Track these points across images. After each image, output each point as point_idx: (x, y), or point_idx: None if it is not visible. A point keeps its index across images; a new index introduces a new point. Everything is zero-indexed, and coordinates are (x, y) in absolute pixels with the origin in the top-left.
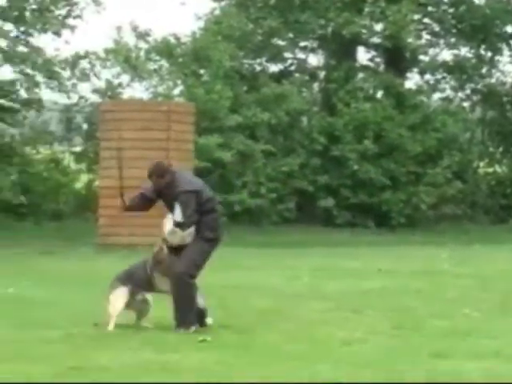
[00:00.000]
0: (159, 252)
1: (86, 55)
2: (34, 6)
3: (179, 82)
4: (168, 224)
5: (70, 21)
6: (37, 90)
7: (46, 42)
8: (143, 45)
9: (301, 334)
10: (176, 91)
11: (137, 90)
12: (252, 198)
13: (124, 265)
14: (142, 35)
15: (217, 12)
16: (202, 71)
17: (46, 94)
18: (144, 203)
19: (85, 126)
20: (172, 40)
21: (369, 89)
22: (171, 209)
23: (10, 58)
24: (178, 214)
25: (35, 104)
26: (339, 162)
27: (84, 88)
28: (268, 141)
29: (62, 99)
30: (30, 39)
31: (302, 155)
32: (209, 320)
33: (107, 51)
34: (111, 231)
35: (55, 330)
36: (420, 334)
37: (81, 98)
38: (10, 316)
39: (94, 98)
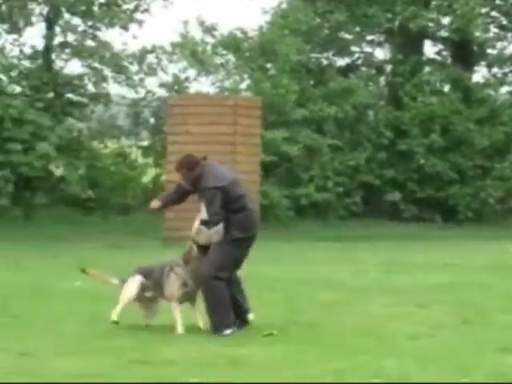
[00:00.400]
0: (189, 251)
1: (153, 49)
2: (102, 1)
3: (246, 76)
4: (195, 224)
5: (138, 15)
6: (104, 85)
7: (113, 36)
8: (210, 39)
9: (367, 329)
10: (243, 85)
11: (203, 85)
12: (319, 192)
13: None
14: (209, 29)
15: (284, 6)
16: (268, 65)
17: (114, 89)
18: (180, 195)
19: (152, 121)
20: (239, 34)
21: (436, 82)
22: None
23: (78, 52)
24: (203, 211)
25: (103, 98)
26: (406, 155)
27: (151, 82)
28: (335, 135)
29: (129, 93)
30: (98, 33)
31: (369, 149)
32: (250, 316)
33: (174, 45)
34: (178, 225)
35: (121, 324)
36: (487, 329)
37: (148, 92)
38: (76, 309)
39: (161, 93)
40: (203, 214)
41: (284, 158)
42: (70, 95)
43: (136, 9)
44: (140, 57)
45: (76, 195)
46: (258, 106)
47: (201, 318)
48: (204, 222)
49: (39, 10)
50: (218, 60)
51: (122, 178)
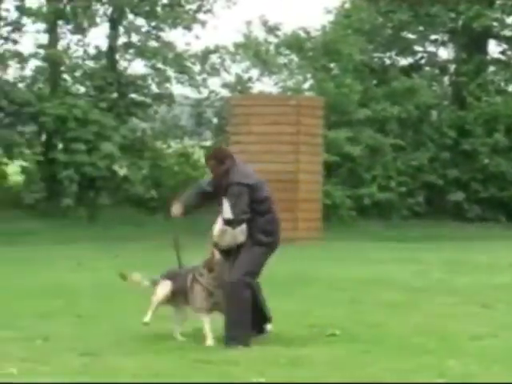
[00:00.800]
0: (211, 259)
1: (216, 50)
2: (165, 1)
3: (309, 76)
4: (217, 226)
5: (201, 15)
6: (168, 85)
7: (176, 36)
8: (273, 39)
9: (430, 328)
10: (306, 85)
11: (266, 85)
12: (381, 192)
13: None
14: (272, 29)
15: (347, 5)
16: (331, 65)
17: (177, 89)
18: (200, 198)
19: (215, 121)
20: (302, 34)
21: (500, 82)
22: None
23: (141, 52)
24: (226, 210)
25: (166, 98)
26: (469, 155)
27: (214, 82)
28: (397, 135)
29: (192, 94)
30: (161, 34)
31: (432, 149)
32: (269, 326)
33: (237, 46)
34: None
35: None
36: None
37: (211, 92)
38: (139, 309)
39: (224, 93)
40: (226, 213)
41: (347, 157)
42: (133, 95)
43: (199, 9)
44: (203, 57)
45: (139, 195)
46: (321, 106)
47: None
48: (228, 222)
49: (103, 10)
50: (281, 60)
51: (185, 178)
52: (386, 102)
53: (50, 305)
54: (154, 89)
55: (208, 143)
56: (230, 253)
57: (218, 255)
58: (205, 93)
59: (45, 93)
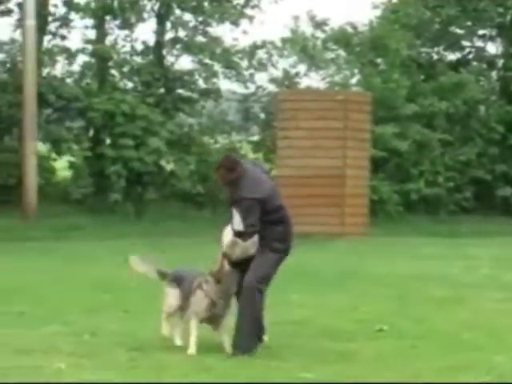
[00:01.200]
0: (220, 270)
1: (264, 45)
2: None
3: (356, 71)
4: (228, 236)
5: (248, 11)
6: (215, 80)
7: (224, 31)
8: (320, 34)
9: (478, 324)
10: (353, 80)
11: (313, 80)
12: (429, 187)
13: (298, 253)
14: (319, 24)
15: (394, 0)
16: (378, 60)
17: (224, 84)
18: None
19: (262, 116)
20: (349, 29)
21: None
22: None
23: (188, 47)
24: (237, 222)
25: (213, 94)
26: None
27: (261, 78)
28: (445, 130)
29: (239, 89)
30: (209, 29)
31: (480, 144)
32: (266, 337)
33: (284, 41)
34: None
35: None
36: None
37: (258, 87)
38: None
39: (271, 88)
40: (237, 225)
41: (394, 153)
42: (180, 91)
43: (246, 4)
44: (250, 52)
45: (186, 190)
46: (369, 101)
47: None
48: (239, 234)
49: (150, 5)
50: (329, 55)
51: None
52: (433, 97)
53: (97, 300)
54: (201, 84)
55: (255, 138)
56: (240, 264)
57: (227, 266)
58: (252, 88)
59: (93, 88)
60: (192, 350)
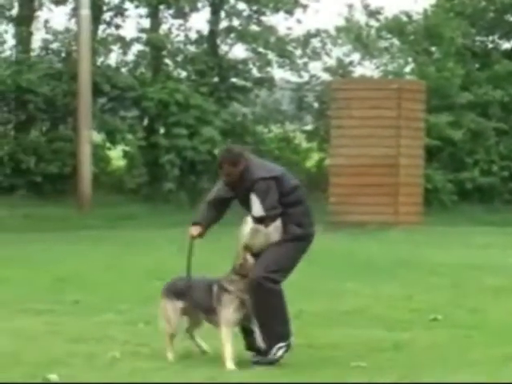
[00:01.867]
0: (243, 264)
1: (318, 34)
2: None
3: (410, 59)
4: (246, 226)
5: (303, 0)
6: (269, 69)
7: (278, 20)
8: (374, 23)
9: None
10: (407, 69)
11: (367, 69)
12: (483, 176)
13: (352, 242)
14: (373, 13)
15: None
16: (433, 49)
17: (278, 73)
18: (220, 209)
19: (316, 105)
20: (403, 18)
21: None
22: (246, 205)
23: (242, 36)
24: (257, 208)
25: (267, 83)
26: None
27: (315, 66)
28: (500, 118)
29: (293, 78)
30: (263, 18)
31: None
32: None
33: (338, 29)
34: (341, 209)
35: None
36: None
37: (312, 76)
38: None
39: (325, 77)
40: (257, 211)
41: (448, 142)
42: (234, 80)
43: None
44: (304, 41)
45: None
46: (423, 90)
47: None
48: (260, 220)
49: None
50: (383, 44)
51: (286, 162)
52: (488, 85)
53: (151, 288)
54: (255, 73)
55: (309, 128)
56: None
57: (251, 259)
58: (306, 77)
59: (147, 77)
60: (230, 364)
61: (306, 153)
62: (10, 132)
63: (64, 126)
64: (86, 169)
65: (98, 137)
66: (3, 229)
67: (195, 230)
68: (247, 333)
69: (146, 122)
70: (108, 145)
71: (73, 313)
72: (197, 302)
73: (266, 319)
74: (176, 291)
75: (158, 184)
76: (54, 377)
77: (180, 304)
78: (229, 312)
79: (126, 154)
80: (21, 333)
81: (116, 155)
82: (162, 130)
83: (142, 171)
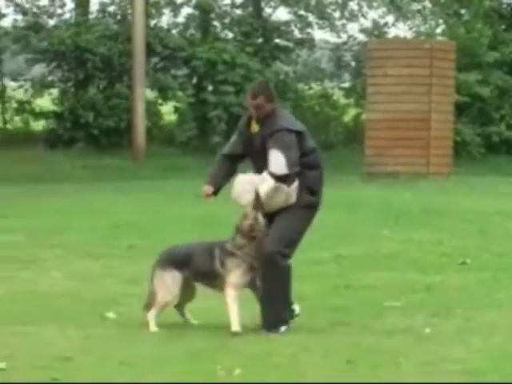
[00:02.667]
0: (253, 225)
1: None
2: None
3: (441, 21)
4: (265, 184)
5: None
6: (309, 30)
7: None
8: None
9: None
10: (438, 30)
11: (401, 30)
12: (509, 130)
13: (387, 192)
14: None
15: None
16: (462, 11)
17: (318, 34)
18: (230, 167)
19: (353, 64)
20: None
21: None
22: (260, 159)
23: (284, 0)
24: (278, 163)
25: (307, 43)
26: None
27: (352, 28)
28: None
29: (332, 38)
30: None
31: None
32: (296, 308)
33: None
34: (377, 161)
35: (325, 252)
36: None
37: (349, 37)
38: None
39: (362, 38)
40: (277, 167)
41: (476, 98)
42: (277, 40)
43: None
44: (343, 4)
45: None
46: (453, 50)
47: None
48: (281, 178)
49: None
50: (415, 6)
51: (325, 117)
52: None
53: (200, 234)
54: (297, 34)
55: (346, 85)
56: (271, 215)
57: (262, 220)
58: (344, 37)
59: (196, 38)
60: (236, 326)
61: (344, 108)
62: (70, 89)
63: (120, 83)
64: (140, 123)
65: (151, 94)
66: (64, 179)
67: (208, 190)
68: None
69: (195, 79)
70: (160, 101)
71: (128, 256)
72: (197, 268)
73: (272, 299)
74: (174, 261)
75: (207, 137)
76: (111, 314)
77: (179, 273)
78: (236, 275)
79: (176, 110)
80: (81, 275)
81: (167, 111)
82: (210, 88)
83: (192, 125)
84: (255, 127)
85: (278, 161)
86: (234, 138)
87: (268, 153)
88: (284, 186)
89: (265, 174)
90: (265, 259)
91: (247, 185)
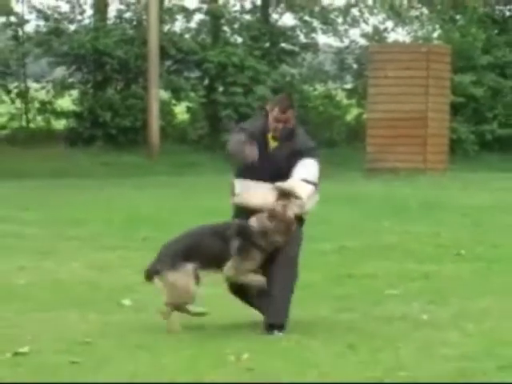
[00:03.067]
0: (291, 223)
1: (357, 4)
2: None
3: (437, 26)
4: (304, 188)
5: None
6: (314, 35)
7: None
8: None
9: None
10: (434, 35)
11: (399, 34)
12: (501, 128)
13: (387, 187)
14: None
15: None
16: (457, 17)
17: (322, 38)
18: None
19: (355, 66)
20: None
21: None
22: (266, 178)
23: (291, 6)
24: (313, 173)
25: (312, 47)
26: None
27: (354, 33)
28: None
29: (335, 43)
30: None
31: None
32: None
33: (375, 0)
34: (377, 157)
35: (329, 243)
36: None
37: (352, 41)
38: None
39: (363, 42)
40: (310, 175)
41: (471, 98)
42: (283, 44)
43: None
44: (345, 10)
45: None
46: (448, 53)
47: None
48: (314, 184)
49: None
50: (413, 13)
51: (329, 117)
52: (506, 48)
53: None
54: (302, 39)
55: (349, 86)
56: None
57: (294, 223)
58: (346, 42)
59: (207, 42)
60: (255, 278)
61: (346, 108)
62: (89, 90)
63: (136, 85)
64: (155, 122)
65: (164, 94)
66: (83, 175)
67: (252, 152)
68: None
69: (206, 81)
70: (173, 101)
71: (142, 248)
72: (208, 255)
73: (286, 301)
74: (181, 255)
75: (217, 135)
76: (127, 301)
77: (190, 266)
78: (249, 264)
79: (189, 110)
80: (99, 265)
81: (180, 110)
82: (220, 89)
83: (203, 124)
84: (273, 144)
85: (312, 170)
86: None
87: (300, 163)
88: (316, 195)
89: (296, 179)
90: (290, 258)
91: (252, 186)
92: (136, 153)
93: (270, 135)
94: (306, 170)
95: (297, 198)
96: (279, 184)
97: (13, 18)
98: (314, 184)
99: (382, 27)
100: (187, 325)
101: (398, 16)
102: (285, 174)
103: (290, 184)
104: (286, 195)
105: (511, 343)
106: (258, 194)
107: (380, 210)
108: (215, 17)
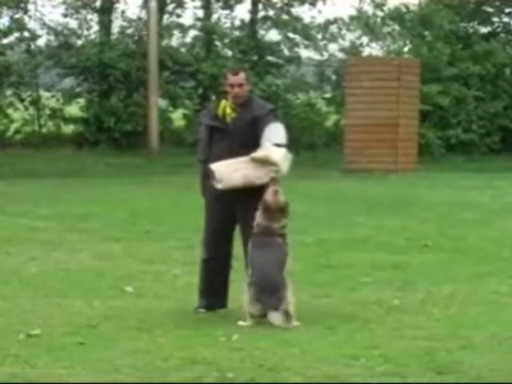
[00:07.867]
0: (276, 196)
1: (335, 21)
2: None
3: (408, 42)
4: (275, 153)
5: None
6: (297, 49)
7: (303, 11)
8: (379, 12)
9: (504, 241)
10: (405, 49)
11: (374, 49)
12: (465, 133)
13: (362, 185)
14: (379, 5)
15: None
16: (426, 33)
17: (304, 52)
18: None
19: (334, 77)
20: (403, 8)
21: None
22: (237, 146)
23: (276, 24)
24: (280, 135)
25: (295, 60)
26: None
27: (333, 47)
28: (478, 88)
29: (315, 56)
30: (292, 9)
31: (506, 99)
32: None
33: (351, 18)
34: (353, 159)
35: (309, 236)
36: None
37: (331, 55)
38: None
39: (341, 55)
40: (278, 137)
41: (437, 106)
42: (269, 58)
43: None
44: (324, 27)
45: None
46: (418, 66)
47: None
48: (285, 145)
49: None
50: (386, 29)
51: (310, 123)
52: (469, 61)
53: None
54: (286, 52)
55: (328, 95)
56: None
57: (282, 195)
58: (326, 55)
59: (201, 55)
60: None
61: (326, 115)
62: (94, 99)
63: (137, 94)
64: (154, 127)
65: (163, 102)
66: (89, 175)
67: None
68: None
69: (200, 90)
70: (171, 108)
71: (144, 240)
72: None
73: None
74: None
75: None
76: (129, 289)
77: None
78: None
79: (185, 116)
80: (103, 255)
81: (177, 117)
82: (213, 97)
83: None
84: (231, 114)
85: (280, 132)
86: (202, 141)
87: (264, 128)
88: (288, 153)
89: (268, 146)
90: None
91: (230, 166)
92: (137, 155)
93: (228, 105)
94: (273, 133)
95: (273, 164)
96: (253, 155)
97: (26, 34)
98: (285, 145)
99: (357, 42)
100: (184, 310)
101: (372, 32)
102: (250, 142)
103: (263, 152)
104: (262, 163)
105: (472, 326)
106: (238, 173)
107: (355, 207)
108: (208, 32)
